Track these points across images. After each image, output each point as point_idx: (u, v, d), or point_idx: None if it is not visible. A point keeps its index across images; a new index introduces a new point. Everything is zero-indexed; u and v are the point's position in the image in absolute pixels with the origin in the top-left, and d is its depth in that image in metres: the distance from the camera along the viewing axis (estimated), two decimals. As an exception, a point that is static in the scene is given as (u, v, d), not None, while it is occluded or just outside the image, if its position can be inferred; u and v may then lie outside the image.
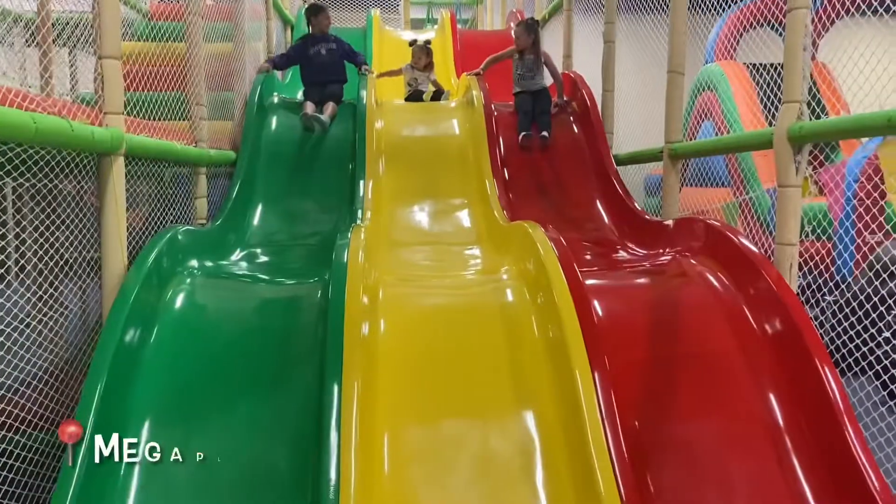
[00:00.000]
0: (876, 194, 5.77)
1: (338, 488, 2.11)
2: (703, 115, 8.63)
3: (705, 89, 8.53)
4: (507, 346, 2.85)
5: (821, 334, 3.63)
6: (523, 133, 4.94)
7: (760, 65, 8.12)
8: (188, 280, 3.04)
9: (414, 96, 5.89)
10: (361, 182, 4.41)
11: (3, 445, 2.31)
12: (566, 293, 2.77)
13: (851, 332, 3.95)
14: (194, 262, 3.22)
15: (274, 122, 4.92)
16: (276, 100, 5.10)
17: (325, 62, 5.20)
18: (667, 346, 2.87)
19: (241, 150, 4.57)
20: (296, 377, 2.68)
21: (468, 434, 2.54)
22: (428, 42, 6.03)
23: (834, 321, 4.07)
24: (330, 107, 4.93)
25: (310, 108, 4.86)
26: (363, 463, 2.27)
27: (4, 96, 1.99)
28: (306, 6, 5.74)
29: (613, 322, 2.94)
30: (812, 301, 5.02)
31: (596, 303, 2.96)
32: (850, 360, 3.84)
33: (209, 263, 3.37)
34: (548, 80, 5.24)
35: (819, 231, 6.33)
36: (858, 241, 6.42)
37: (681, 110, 4.02)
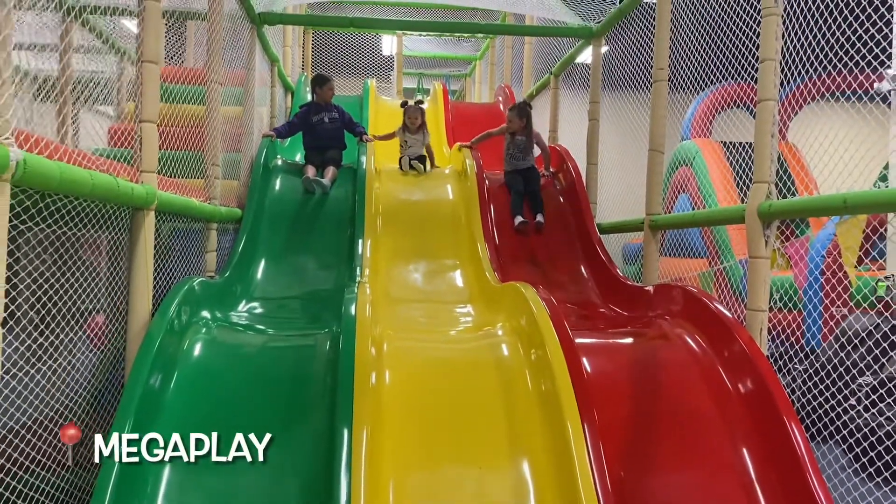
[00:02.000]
0: (840, 271, 6.13)
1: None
2: (679, 189, 9.06)
3: (682, 164, 8.99)
4: (502, 398, 3.06)
5: (792, 401, 3.89)
6: (519, 220, 5.15)
7: (733, 143, 8.63)
8: (204, 328, 3.24)
9: (406, 163, 5.79)
10: (360, 241, 4.66)
11: (29, 482, 2.43)
12: (558, 349, 3.00)
13: (820, 399, 4.21)
14: (207, 313, 3.42)
15: (278, 183, 5.20)
16: (279, 162, 5.39)
17: (327, 130, 5.47)
18: (649, 401, 3.10)
19: (246, 207, 4.82)
20: (305, 422, 2.87)
21: (466, 479, 2.73)
22: (420, 102, 6.05)
23: (804, 388, 4.34)
24: (330, 171, 5.21)
25: (311, 171, 5.15)
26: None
27: (70, 155, 2.22)
28: (312, 76, 5.90)
29: (600, 378, 3.17)
30: (784, 370, 5.31)
31: (584, 359, 3.20)
32: (819, 425, 4.08)
33: (219, 314, 3.57)
34: (536, 151, 5.59)
35: (788, 302, 6.66)
36: (826, 314, 6.76)
37: (660, 185, 4.35)
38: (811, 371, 4.76)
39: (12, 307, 2.33)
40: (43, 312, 2.86)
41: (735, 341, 3.11)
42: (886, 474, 3.84)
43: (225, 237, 4.73)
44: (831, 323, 6.58)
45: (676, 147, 8.99)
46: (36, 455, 2.46)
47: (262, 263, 4.61)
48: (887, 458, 3.77)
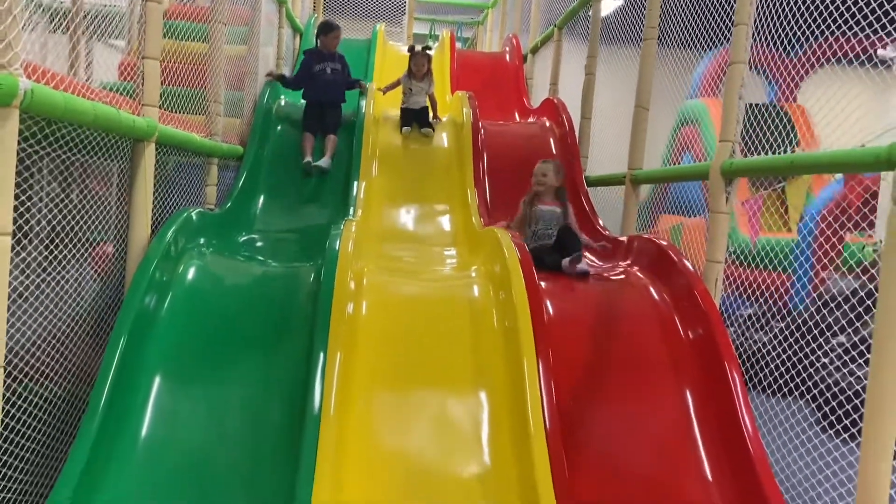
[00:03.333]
0: (834, 236, 6.27)
1: (319, 418, 2.56)
2: (684, 148, 9.15)
3: (687, 123, 9.05)
4: (470, 333, 3.31)
5: (767, 361, 4.11)
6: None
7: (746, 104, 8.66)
8: (199, 255, 3.49)
9: (407, 115, 5.62)
10: (355, 183, 4.88)
11: (28, 395, 2.68)
12: (523, 291, 3.23)
13: (794, 359, 4.42)
14: (203, 241, 3.67)
15: (279, 123, 5.39)
16: (282, 103, 5.57)
17: (328, 81, 5.37)
18: (604, 342, 3.35)
19: (248, 145, 5.02)
20: (289, 344, 3.13)
21: (430, 400, 3.01)
22: (428, 48, 5.88)
23: (781, 347, 4.56)
24: (330, 143, 5.18)
25: (308, 146, 5.14)
26: (340, 414, 2.73)
27: (75, 87, 2.44)
28: (319, 22, 5.78)
29: (561, 319, 3.41)
30: (766, 328, 5.53)
31: (548, 302, 3.44)
32: (792, 385, 4.30)
33: (215, 243, 3.81)
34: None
35: (779, 264, 6.84)
36: (816, 278, 6.95)
37: (643, 141, 4.51)
38: (787, 331, 4.96)
39: (25, 227, 2.57)
40: (52, 234, 3.10)
41: (692, 291, 3.33)
42: (853, 431, 4.07)
43: (226, 173, 4.94)
44: (821, 288, 6.78)
45: (683, 105, 9.02)
46: (41, 367, 2.73)
47: (261, 199, 4.84)
48: (855, 416, 3.99)
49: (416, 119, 5.60)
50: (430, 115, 5.71)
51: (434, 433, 2.88)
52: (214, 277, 3.43)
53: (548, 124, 6.02)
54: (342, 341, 2.97)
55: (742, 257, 6.79)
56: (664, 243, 3.74)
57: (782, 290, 6.94)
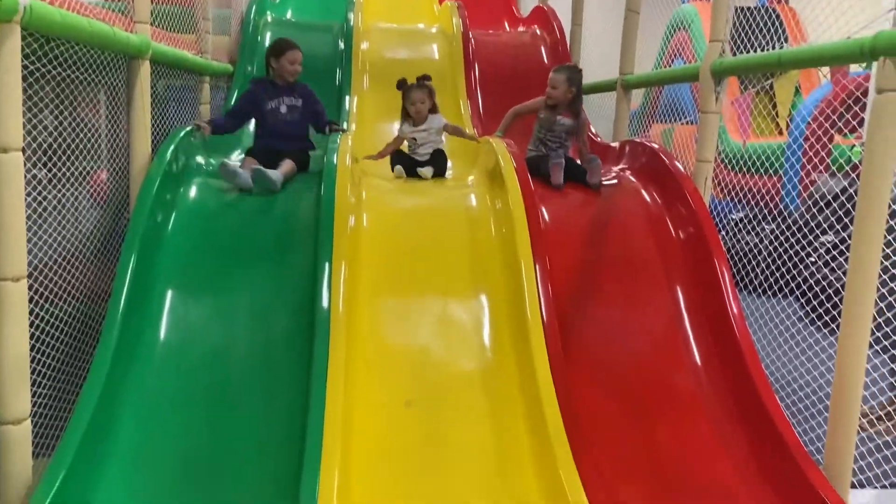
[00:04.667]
0: (825, 137, 6.32)
1: (328, 318, 2.69)
2: (675, 54, 9.08)
3: (679, 29, 8.95)
4: (468, 241, 3.41)
5: (759, 261, 4.22)
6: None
7: (737, 7, 8.55)
8: (200, 172, 3.55)
9: (412, 165, 4.03)
10: (347, 97, 4.89)
11: (42, 314, 2.77)
12: (519, 199, 3.32)
13: (784, 257, 4.55)
14: (202, 159, 3.71)
15: (268, 39, 5.33)
16: (269, 18, 5.50)
17: (284, 123, 3.88)
18: (599, 246, 3.46)
19: (238, 63, 5.00)
20: (294, 256, 3.20)
21: (433, 303, 3.13)
22: (426, 78, 4.09)
23: (771, 248, 4.69)
24: (284, 166, 3.62)
25: (251, 161, 3.66)
26: (348, 316, 2.86)
27: (70, 3, 2.45)
28: (270, 44, 4.10)
29: (556, 224, 3.51)
30: (756, 230, 5.67)
31: (543, 209, 3.53)
32: (782, 282, 4.44)
33: (213, 161, 3.85)
34: None
35: (770, 168, 6.92)
36: (806, 179, 7.05)
37: (634, 45, 4.52)
38: (777, 231, 5.09)
39: (32, 145, 2.62)
40: (55, 152, 3.13)
41: (682, 191, 3.42)
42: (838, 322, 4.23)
43: (217, 94, 4.94)
44: (811, 188, 6.88)
45: (673, 10, 8.89)
46: (55, 288, 2.83)
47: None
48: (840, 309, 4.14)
49: (429, 163, 4.03)
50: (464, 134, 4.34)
51: (437, 332, 3.02)
52: (217, 193, 3.49)
53: (539, 33, 5.98)
54: (345, 252, 3.06)
55: (733, 162, 6.87)
56: (655, 146, 3.81)
57: (773, 192, 7.05)
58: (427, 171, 3.97)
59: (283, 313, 3.01)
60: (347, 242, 3.12)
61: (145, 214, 3.04)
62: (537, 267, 3.09)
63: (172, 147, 3.32)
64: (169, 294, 3.04)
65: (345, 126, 4.69)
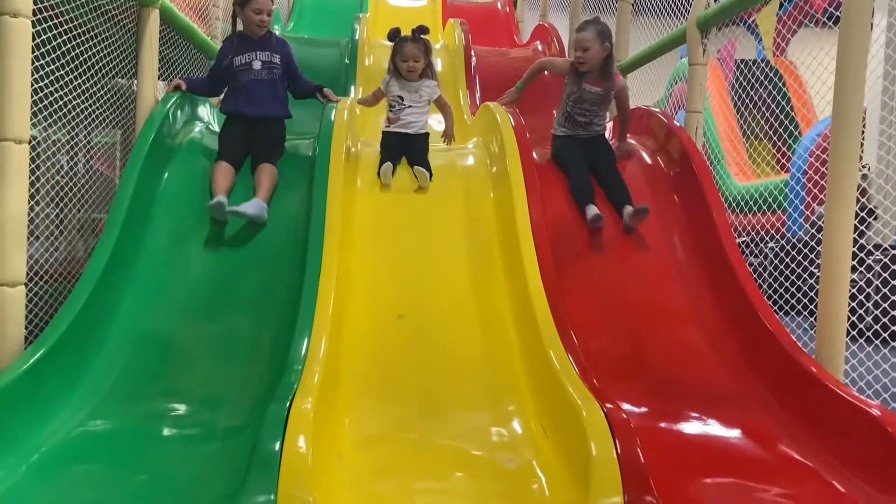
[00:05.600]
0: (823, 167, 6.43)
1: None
2: (678, 105, 9.35)
3: (680, 80, 9.23)
4: (463, 201, 3.42)
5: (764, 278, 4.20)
6: (592, 212, 3.17)
7: (738, 60, 8.85)
8: (199, 120, 3.63)
9: (392, 145, 3.48)
10: (352, 87, 5.08)
11: None
12: (517, 160, 3.33)
13: (786, 271, 4.53)
14: (202, 106, 3.76)
15: None
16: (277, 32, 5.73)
17: (257, 82, 3.36)
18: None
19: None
20: (294, 190, 3.24)
21: (426, 251, 3.13)
22: (422, 30, 3.53)
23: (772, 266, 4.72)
24: (264, 184, 3.14)
25: (222, 188, 3.09)
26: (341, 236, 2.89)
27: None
28: None
29: (554, 182, 3.53)
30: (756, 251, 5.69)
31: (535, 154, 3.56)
32: (787, 296, 4.41)
33: (214, 112, 3.90)
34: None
35: (773, 204, 7.01)
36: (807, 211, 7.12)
37: (627, 33, 4.68)
38: (782, 252, 5.10)
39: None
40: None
41: (675, 139, 3.48)
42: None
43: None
44: (812, 217, 6.94)
45: (676, 65, 9.18)
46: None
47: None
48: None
49: (405, 151, 3.49)
50: (445, 140, 3.67)
51: (429, 249, 3.08)
52: (215, 138, 3.52)
53: (539, 48, 6.20)
54: (340, 185, 3.09)
55: (740, 205, 7.00)
56: (655, 110, 3.89)
57: (778, 226, 7.13)
58: (423, 174, 3.37)
59: (280, 236, 3.05)
60: (342, 167, 3.15)
61: (145, 148, 3.09)
62: (526, 182, 3.13)
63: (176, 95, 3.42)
64: (168, 211, 3.09)
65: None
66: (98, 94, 3.21)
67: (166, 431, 2.32)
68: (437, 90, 3.55)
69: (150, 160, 3.10)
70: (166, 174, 3.20)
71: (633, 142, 3.62)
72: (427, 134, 3.53)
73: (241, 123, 3.33)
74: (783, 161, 7.93)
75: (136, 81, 3.38)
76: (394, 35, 3.50)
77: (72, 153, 4.09)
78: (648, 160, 3.66)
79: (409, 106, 3.46)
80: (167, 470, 2.12)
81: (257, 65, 3.36)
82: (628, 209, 3.15)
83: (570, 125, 3.45)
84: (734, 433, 2.43)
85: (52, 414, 2.24)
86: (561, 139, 3.47)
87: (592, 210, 3.14)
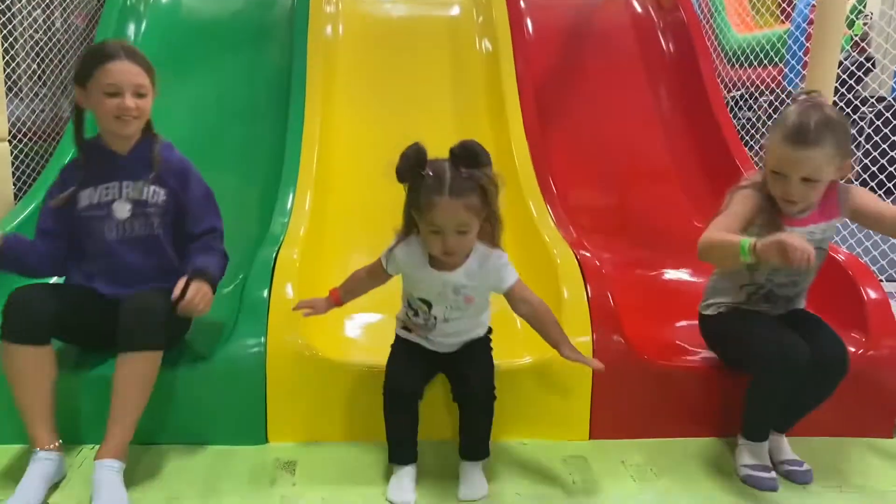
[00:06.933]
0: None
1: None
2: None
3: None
4: (449, 53, 3.32)
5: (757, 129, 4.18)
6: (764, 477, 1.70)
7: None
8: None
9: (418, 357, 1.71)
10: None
11: None
12: (503, 8, 3.25)
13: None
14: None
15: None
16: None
17: (119, 243, 1.83)
18: (587, 51, 3.38)
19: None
20: (269, 53, 3.20)
21: (411, 105, 3.08)
22: (472, 154, 1.60)
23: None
24: (121, 412, 1.61)
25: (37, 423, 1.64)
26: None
27: None
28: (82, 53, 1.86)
29: (545, 34, 3.44)
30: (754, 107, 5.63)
31: (529, 20, 3.45)
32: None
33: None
34: None
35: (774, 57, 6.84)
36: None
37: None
38: (775, 103, 5.03)
39: None
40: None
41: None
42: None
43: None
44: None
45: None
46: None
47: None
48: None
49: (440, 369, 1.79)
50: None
51: (413, 110, 3.05)
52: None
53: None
54: (321, 53, 3.03)
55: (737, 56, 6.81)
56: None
57: (777, 81, 6.98)
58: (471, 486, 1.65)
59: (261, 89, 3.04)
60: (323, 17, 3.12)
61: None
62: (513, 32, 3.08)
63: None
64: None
65: None
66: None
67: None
68: (506, 275, 1.68)
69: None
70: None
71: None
72: (482, 339, 1.78)
73: (94, 301, 1.81)
74: (787, 10, 7.69)
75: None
76: (406, 169, 1.58)
77: (48, 9, 3.94)
78: (639, 8, 3.57)
79: (447, 320, 1.70)
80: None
81: (121, 209, 1.82)
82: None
83: (763, 292, 1.83)
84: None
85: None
86: (741, 310, 1.85)
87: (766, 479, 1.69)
